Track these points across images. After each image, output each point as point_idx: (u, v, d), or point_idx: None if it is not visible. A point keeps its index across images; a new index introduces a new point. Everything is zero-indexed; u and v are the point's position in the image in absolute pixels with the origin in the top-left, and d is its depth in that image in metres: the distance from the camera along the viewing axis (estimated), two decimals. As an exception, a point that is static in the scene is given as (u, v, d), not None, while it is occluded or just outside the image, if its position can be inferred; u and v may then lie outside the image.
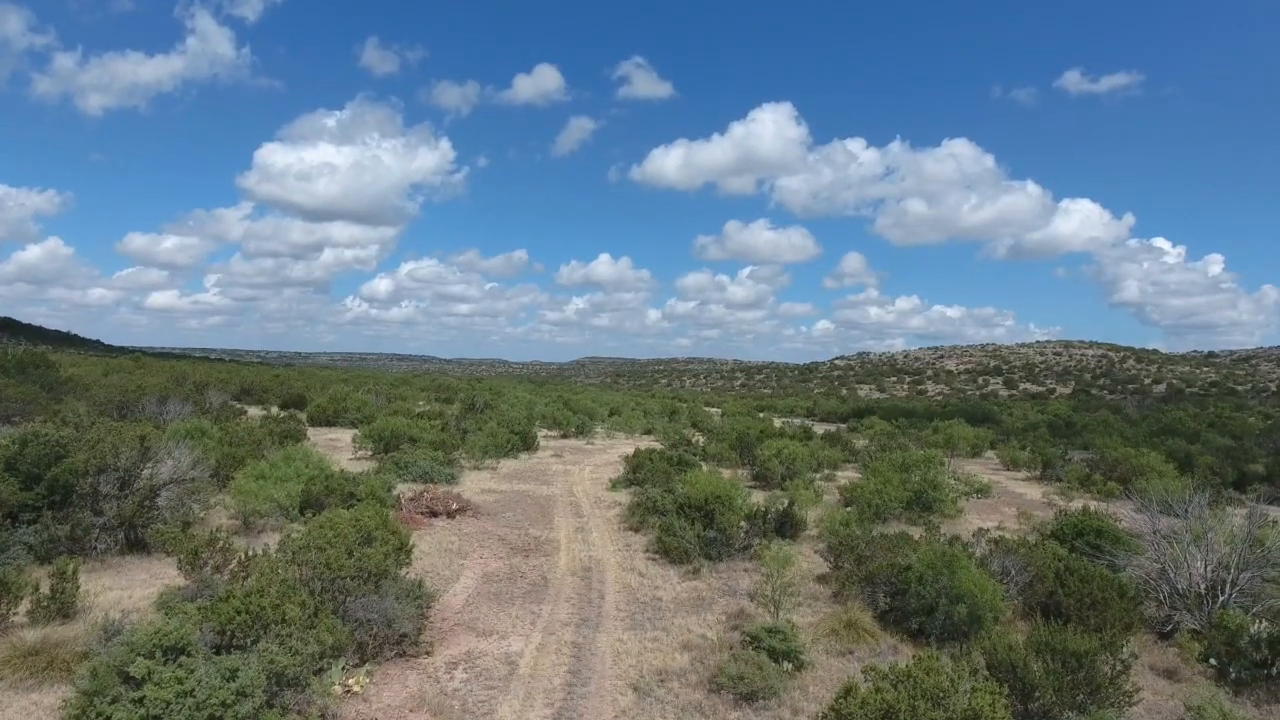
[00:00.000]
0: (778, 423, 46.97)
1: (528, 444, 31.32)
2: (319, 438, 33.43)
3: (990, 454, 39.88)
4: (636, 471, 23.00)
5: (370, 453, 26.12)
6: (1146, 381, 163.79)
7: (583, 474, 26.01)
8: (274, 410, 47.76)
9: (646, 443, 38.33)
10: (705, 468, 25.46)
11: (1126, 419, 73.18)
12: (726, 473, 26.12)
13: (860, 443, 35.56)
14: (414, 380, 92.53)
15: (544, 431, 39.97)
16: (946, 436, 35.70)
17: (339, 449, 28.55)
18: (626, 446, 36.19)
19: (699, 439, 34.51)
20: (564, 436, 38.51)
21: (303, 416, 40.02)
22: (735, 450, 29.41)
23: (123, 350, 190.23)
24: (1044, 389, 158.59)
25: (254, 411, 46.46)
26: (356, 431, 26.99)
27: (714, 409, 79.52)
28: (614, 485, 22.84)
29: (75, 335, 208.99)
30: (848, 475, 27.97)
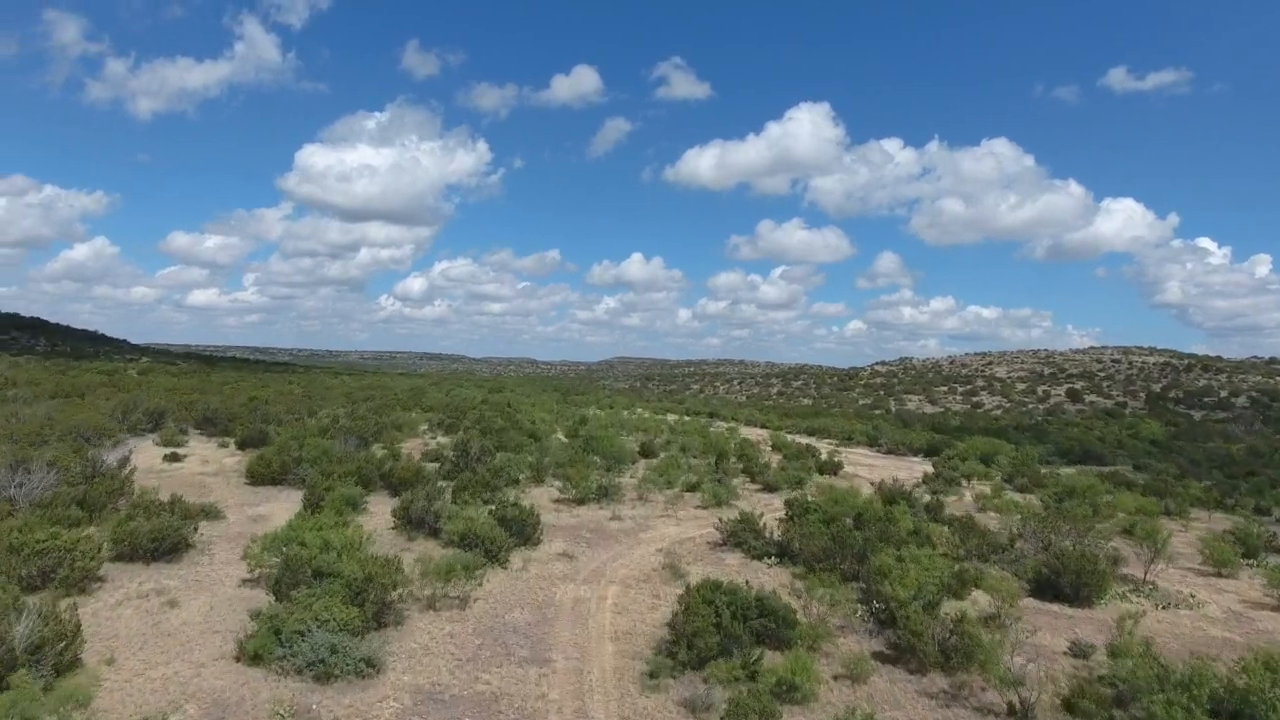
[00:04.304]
0: (862, 484, 36.99)
1: (525, 536, 21.73)
2: (242, 515, 24.22)
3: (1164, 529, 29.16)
4: (691, 645, 13.27)
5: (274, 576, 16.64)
6: (1223, 394, 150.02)
7: (602, 614, 16.31)
8: (229, 448, 38.89)
9: (690, 512, 28.63)
10: (800, 615, 15.62)
11: (1255, 453, 61.68)
12: (834, 619, 16.26)
13: (999, 531, 25.25)
14: (429, 392, 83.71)
15: (554, 491, 30.42)
16: (1120, 507, 25.24)
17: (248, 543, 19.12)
18: (666, 524, 26.49)
19: (764, 516, 24.60)
20: (579, 503, 28.90)
21: (240, 467, 30.77)
22: (831, 560, 19.49)
23: (146, 351, 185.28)
24: (1113, 402, 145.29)
25: (202, 454, 37.67)
26: (257, 548, 17.32)
27: (759, 430, 69.44)
28: (655, 673, 13.10)
29: (102, 335, 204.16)
30: (1029, 618, 17.79)
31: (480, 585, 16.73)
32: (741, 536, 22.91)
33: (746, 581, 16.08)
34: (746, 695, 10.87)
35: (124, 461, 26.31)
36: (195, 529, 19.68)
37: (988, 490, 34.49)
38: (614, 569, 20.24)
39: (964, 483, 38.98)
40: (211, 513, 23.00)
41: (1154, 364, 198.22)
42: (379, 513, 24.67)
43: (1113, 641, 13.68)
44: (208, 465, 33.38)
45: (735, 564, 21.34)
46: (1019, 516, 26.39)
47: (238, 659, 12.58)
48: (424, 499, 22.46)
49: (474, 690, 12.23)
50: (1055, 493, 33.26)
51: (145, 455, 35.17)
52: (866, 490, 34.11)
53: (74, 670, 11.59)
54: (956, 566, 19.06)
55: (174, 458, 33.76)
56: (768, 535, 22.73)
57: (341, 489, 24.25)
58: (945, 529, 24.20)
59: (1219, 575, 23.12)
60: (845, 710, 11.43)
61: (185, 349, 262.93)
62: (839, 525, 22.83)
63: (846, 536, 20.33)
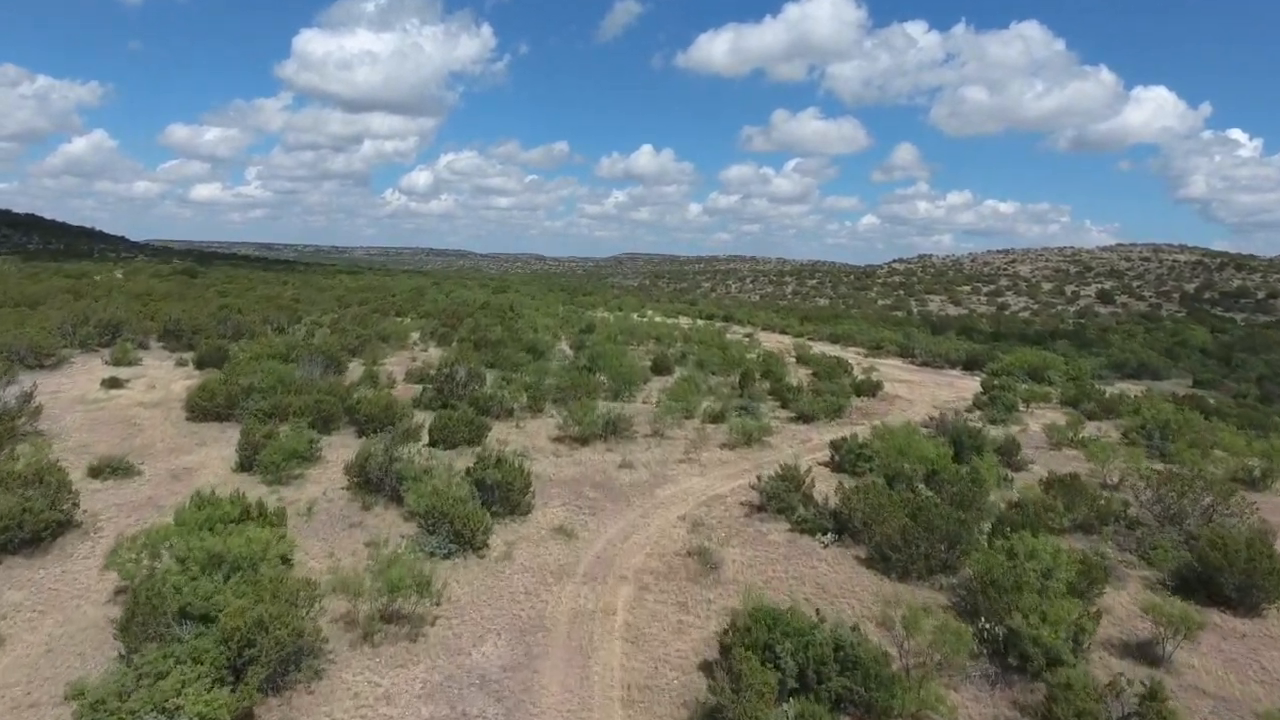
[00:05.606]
0: (908, 408, 32.21)
1: (513, 504, 17.04)
2: (164, 468, 19.57)
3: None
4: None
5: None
6: (1259, 295, 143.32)
7: (610, 644, 11.70)
8: (188, 367, 34.13)
9: (716, 454, 23.90)
10: (893, 653, 10.95)
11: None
12: (936, 655, 11.59)
13: (1102, 490, 20.45)
14: (429, 293, 78.48)
15: (553, 426, 25.71)
16: (1228, 447, 20.42)
17: (162, 512, 14.48)
18: (688, 474, 21.79)
19: (810, 471, 19.85)
20: (582, 442, 24.17)
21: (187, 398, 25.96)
22: (913, 546, 14.74)
23: (144, 248, 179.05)
24: (1147, 304, 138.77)
25: (153, 376, 32.91)
26: (126, 553, 12.61)
27: (778, 336, 64.56)
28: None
29: (99, 232, 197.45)
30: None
31: (438, 604, 12.04)
32: (785, 500, 18.16)
33: (818, 612, 11.31)
34: None
35: (26, 397, 21.50)
36: (75, 504, 15.01)
37: (1060, 420, 29.56)
38: (626, 552, 15.61)
39: (1023, 407, 34.08)
40: (120, 468, 18.33)
41: (1185, 262, 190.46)
42: (336, 462, 20.03)
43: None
44: (152, 392, 28.64)
45: (780, 541, 16.69)
46: (1123, 463, 21.56)
47: (35, 778, 8.02)
48: (383, 454, 17.67)
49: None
50: (1141, 425, 28.31)
51: (84, 379, 30.47)
52: (916, 417, 29.43)
53: None
54: (1080, 556, 14.30)
55: (114, 383, 28.99)
56: (819, 501, 17.98)
57: (287, 436, 19.51)
58: (1037, 488, 19.37)
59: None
60: None
61: (188, 246, 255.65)
62: (909, 488, 18.07)
63: (931, 511, 15.50)
